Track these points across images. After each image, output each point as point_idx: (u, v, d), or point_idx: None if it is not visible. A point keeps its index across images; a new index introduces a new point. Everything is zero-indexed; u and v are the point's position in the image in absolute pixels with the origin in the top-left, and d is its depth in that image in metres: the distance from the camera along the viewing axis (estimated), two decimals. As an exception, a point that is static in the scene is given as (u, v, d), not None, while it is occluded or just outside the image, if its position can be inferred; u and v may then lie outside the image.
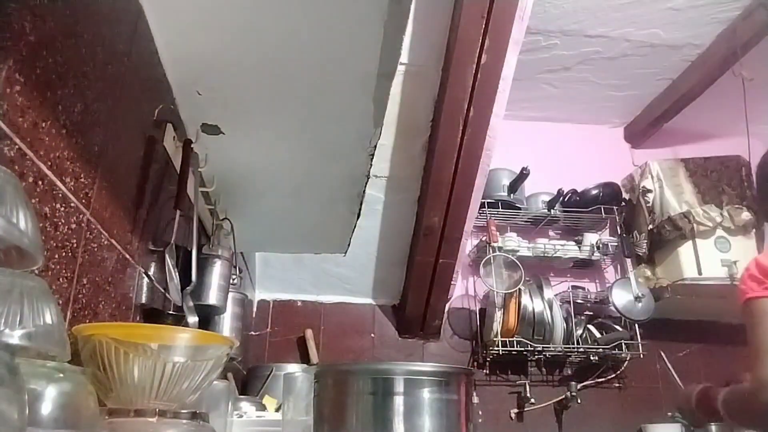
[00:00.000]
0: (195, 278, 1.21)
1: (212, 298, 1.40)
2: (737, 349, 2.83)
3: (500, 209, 2.75)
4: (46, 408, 0.44)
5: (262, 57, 1.12)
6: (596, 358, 2.64)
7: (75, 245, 0.76)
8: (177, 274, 1.13)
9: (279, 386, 1.26)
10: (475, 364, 2.77)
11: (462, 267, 2.75)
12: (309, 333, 2.72)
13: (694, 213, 2.58)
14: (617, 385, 2.80)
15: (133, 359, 0.61)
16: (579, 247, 2.80)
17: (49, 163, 0.68)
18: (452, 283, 2.59)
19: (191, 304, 1.14)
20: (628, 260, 2.76)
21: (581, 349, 2.62)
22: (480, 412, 2.61)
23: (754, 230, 2.61)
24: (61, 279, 0.72)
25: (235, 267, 1.76)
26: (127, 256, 0.98)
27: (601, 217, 2.80)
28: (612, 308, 2.64)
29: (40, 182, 0.66)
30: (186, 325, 1.15)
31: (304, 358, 2.69)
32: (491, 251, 2.65)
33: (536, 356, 2.68)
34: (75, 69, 0.74)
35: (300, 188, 1.75)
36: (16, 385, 0.37)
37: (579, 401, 2.61)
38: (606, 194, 2.80)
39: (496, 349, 2.57)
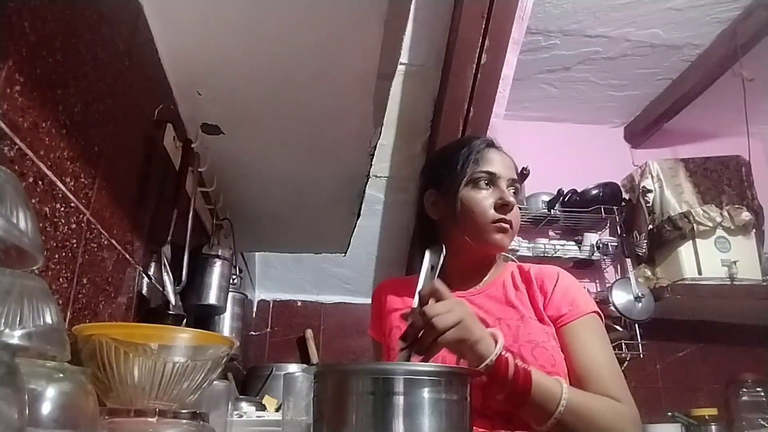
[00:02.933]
0: (185, 278, 1.21)
1: (212, 298, 1.40)
2: (737, 349, 2.84)
3: (500, 209, 2.74)
4: (46, 408, 0.43)
5: (262, 57, 1.12)
6: (596, 358, 2.63)
7: (75, 245, 0.76)
8: (170, 273, 1.13)
9: (279, 386, 1.25)
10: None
11: (462, 267, 2.75)
12: (309, 333, 2.72)
13: (694, 213, 2.58)
14: (617, 385, 2.79)
15: (133, 359, 0.61)
16: (579, 247, 2.80)
17: (49, 163, 0.68)
18: (452, 283, 2.59)
19: (179, 303, 1.14)
20: (628, 260, 2.75)
21: (581, 349, 2.61)
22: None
23: (754, 230, 2.61)
24: (61, 279, 0.72)
25: (235, 267, 1.77)
26: (127, 256, 0.98)
27: (601, 217, 2.79)
28: (612, 308, 2.63)
29: (40, 182, 0.66)
30: (187, 325, 1.15)
31: (304, 358, 2.69)
32: (491, 251, 2.64)
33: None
34: (75, 69, 0.74)
35: (300, 188, 1.75)
36: (16, 385, 0.37)
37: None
38: (606, 194, 2.79)
39: (496, 349, 2.56)
